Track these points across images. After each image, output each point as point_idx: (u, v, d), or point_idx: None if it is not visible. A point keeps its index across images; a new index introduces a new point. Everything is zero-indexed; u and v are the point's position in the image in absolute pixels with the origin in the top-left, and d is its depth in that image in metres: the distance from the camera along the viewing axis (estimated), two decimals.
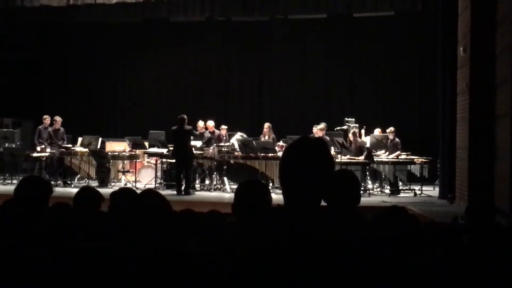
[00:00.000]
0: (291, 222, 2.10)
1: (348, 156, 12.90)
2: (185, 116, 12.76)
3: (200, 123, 14.01)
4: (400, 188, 13.18)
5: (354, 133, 13.25)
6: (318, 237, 2.04)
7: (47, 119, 14.37)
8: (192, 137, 12.96)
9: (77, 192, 4.34)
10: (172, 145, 13.09)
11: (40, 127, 14.47)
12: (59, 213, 4.16)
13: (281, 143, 13.68)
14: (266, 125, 13.91)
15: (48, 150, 13.92)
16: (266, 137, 13.68)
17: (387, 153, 13.28)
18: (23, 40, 18.29)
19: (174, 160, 13.04)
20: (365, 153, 12.93)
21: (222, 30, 17.95)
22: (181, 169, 12.69)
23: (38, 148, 14.00)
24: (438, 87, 12.84)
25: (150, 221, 3.07)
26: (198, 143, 13.49)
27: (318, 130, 13.07)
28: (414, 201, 11.82)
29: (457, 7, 11.73)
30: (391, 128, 13.38)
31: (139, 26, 17.70)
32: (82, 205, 4.30)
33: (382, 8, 14.48)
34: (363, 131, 13.83)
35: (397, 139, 13.30)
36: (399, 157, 13.15)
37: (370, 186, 13.47)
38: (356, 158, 12.86)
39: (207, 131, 13.94)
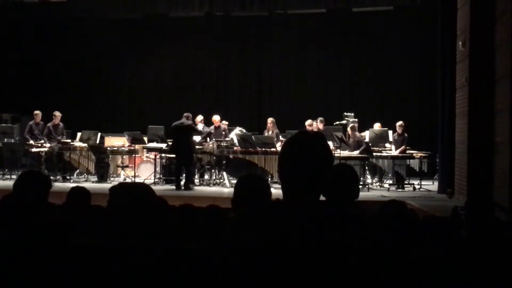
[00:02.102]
0: (290, 217, 2.10)
1: (346, 151, 12.91)
2: (190, 114, 12.86)
3: (198, 118, 14.03)
4: (392, 182, 13.15)
5: (352, 128, 13.23)
6: (317, 231, 2.04)
7: (38, 114, 14.40)
8: (194, 132, 13.03)
9: (69, 191, 4.46)
10: (172, 140, 13.09)
11: (31, 122, 14.48)
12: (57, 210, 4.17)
13: (281, 138, 13.68)
14: (270, 120, 13.90)
15: (47, 145, 13.92)
16: (270, 132, 13.69)
17: (394, 147, 13.21)
18: (22, 35, 18.26)
19: (174, 155, 13.08)
20: (362, 147, 12.93)
21: (221, 25, 17.90)
22: (182, 164, 12.71)
23: (32, 142, 14.00)
24: (438, 81, 12.84)
25: (149, 216, 3.07)
26: (197, 138, 13.51)
27: (307, 126, 13.23)
28: (413, 195, 11.83)
29: (456, 1, 11.71)
30: (401, 122, 13.23)
31: (138, 21, 17.66)
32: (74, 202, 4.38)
33: (381, 3, 14.48)
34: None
35: (405, 134, 13.22)
36: (405, 151, 13.09)
37: (369, 180, 13.47)
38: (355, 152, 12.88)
39: (212, 126, 13.92)
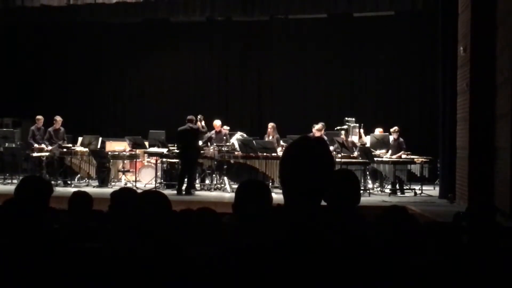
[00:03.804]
0: (291, 222, 2.10)
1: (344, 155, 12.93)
2: (194, 117, 12.88)
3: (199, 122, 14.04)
4: (397, 188, 13.13)
5: (346, 133, 13.30)
6: (319, 237, 2.04)
7: (40, 119, 14.43)
8: (200, 136, 13.10)
9: (71, 196, 4.47)
10: (178, 145, 13.10)
11: (33, 127, 14.50)
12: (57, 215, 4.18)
13: (281, 142, 13.67)
14: (270, 125, 13.88)
15: (48, 149, 13.92)
16: (270, 137, 13.66)
17: (390, 152, 13.25)
18: (23, 40, 18.30)
19: (178, 160, 13.13)
20: (355, 150, 13.03)
21: (223, 30, 17.95)
22: (186, 169, 12.73)
23: (36, 146, 14.01)
24: (438, 86, 12.84)
25: (150, 220, 3.07)
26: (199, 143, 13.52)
27: (316, 130, 13.07)
28: (415, 200, 11.82)
29: (457, 6, 11.73)
30: (395, 128, 13.33)
31: (139, 26, 17.70)
32: (76, 207, 4.39)
33: (382, 8, 14.48)
34: (362, 130, 13.84)
35: (401, 139, 13.27)
36: (401, 156, 13.13)
37: (370, 185, 13.47)
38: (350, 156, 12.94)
39: (213, 131, 13.92)
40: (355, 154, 12.98)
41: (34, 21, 16.55)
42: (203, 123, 13.83)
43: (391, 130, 13.41)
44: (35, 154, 13.97)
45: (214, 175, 13.76)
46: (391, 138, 13.59)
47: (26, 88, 18.25)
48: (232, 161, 13.38)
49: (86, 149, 13.99)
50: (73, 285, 2.51)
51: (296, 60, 17.71)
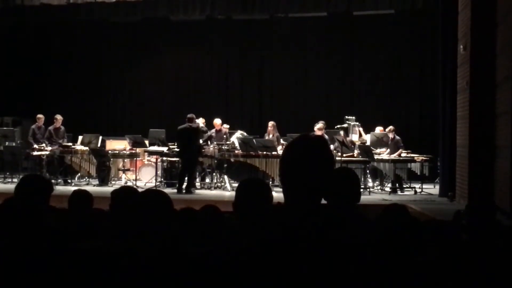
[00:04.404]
0: (292, 220, 2.10)
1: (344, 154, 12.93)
2: (194, 116, 12.88)
3: (200, 121, 14.03)
4: (397, 186, 13.13)
5: (345, 131, 13.32)
6: (319, 235, 2.04)
7: (41, 118, 14.43)
8: (201, 134, 13.12)
9: (71, 195, 4.48)
10: (178, 144, 13.11)
11: (33, 126, 14.50)
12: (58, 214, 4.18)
13: (281, 141, 13.67)
14: (270, 123, 13.88)
15: (49, 148, 13.93)
16: (271, 136, 13.65)
17: (388, 150, 13.26)
18: (23, 39, 18.28)
19: (178, 159, 13.15)
20: (355, 149, 13.03)
21: (223, 28, 17.94)
22: (187, 168, 12.73)
23: (36, 146, 14.01)
24: (439, 85, 12.84)
25: (150, 219, 3.07)
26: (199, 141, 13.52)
27: (317, 129, 13.05)
28: (415, 199, 11.82)
29: (457, 5, 11.72)
30: (390, 127, 13.36)
31: (139, 25, 17.70)
32: (76, 205, 4.39)
33: (382, 7, 14.48)
34: (361, 129, 13.84)
35: (397, 137, 13.28)
36: (401, 155, 13.14)
37: (370, 184, 13.47)
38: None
39: (213, 129, 13.92)
40: (355, 153, 12.98)
41: (34, 20, 16.56)
42: (202, 125, 13.83)
43: (387, 129, 13.40)
44: (35, 153, 13.98)
45: (214, 174, 13.77)
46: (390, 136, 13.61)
47: (26, 88, 18.24)
48: (232, 159, 13.39)
49: (86, 148, 14.00)
50: (73, 285, 2.51)
51: (296, 58, 17.70)
